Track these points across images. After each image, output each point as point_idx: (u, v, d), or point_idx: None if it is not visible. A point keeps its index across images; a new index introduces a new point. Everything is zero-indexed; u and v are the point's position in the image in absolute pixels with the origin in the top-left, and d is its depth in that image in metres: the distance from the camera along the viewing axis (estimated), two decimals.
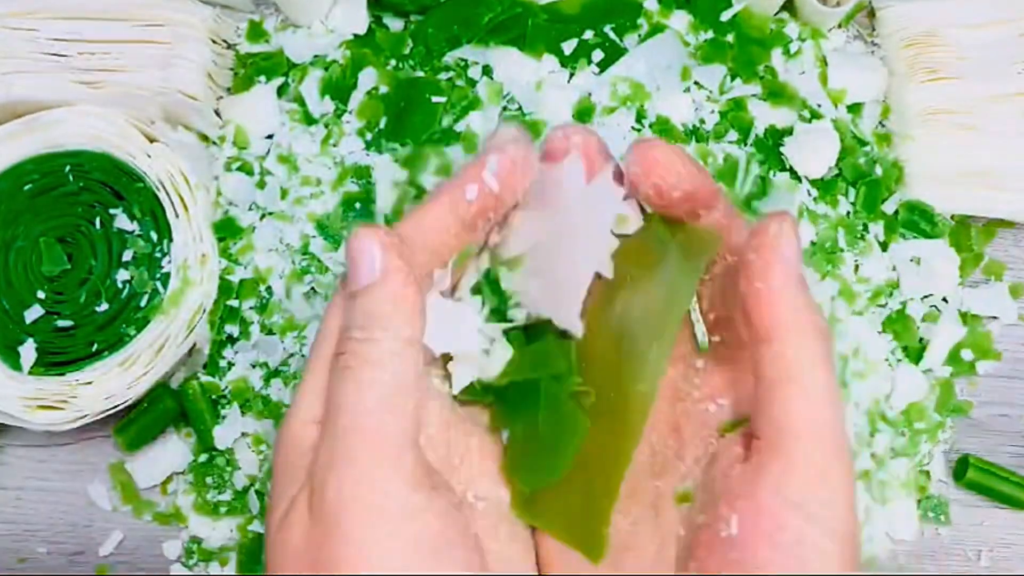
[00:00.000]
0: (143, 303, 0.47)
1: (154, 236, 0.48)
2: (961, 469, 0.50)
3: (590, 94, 0.51)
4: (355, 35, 0.52)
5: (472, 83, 0.51)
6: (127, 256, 0.47)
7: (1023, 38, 0.51)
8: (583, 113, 0.51)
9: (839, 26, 0.53)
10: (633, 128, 0.51)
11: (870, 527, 0.49)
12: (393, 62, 0.52)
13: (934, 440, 0.50)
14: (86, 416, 0.46)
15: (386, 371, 0.27)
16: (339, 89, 0.51)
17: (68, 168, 0.48)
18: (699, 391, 0.32)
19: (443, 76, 0.52)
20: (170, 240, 0.48)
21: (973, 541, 0.50)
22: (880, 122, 0.53)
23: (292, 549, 0.27)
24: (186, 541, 0.49)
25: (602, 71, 0.52)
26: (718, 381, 0.33)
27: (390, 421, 0.27)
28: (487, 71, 0.52)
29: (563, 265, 0.33)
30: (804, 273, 0.29)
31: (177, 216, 0.48)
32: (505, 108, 0.51)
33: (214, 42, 0.50)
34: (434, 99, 0.51)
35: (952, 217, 0.51)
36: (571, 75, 0.52)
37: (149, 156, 0.48)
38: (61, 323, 0.47)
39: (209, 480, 0.48)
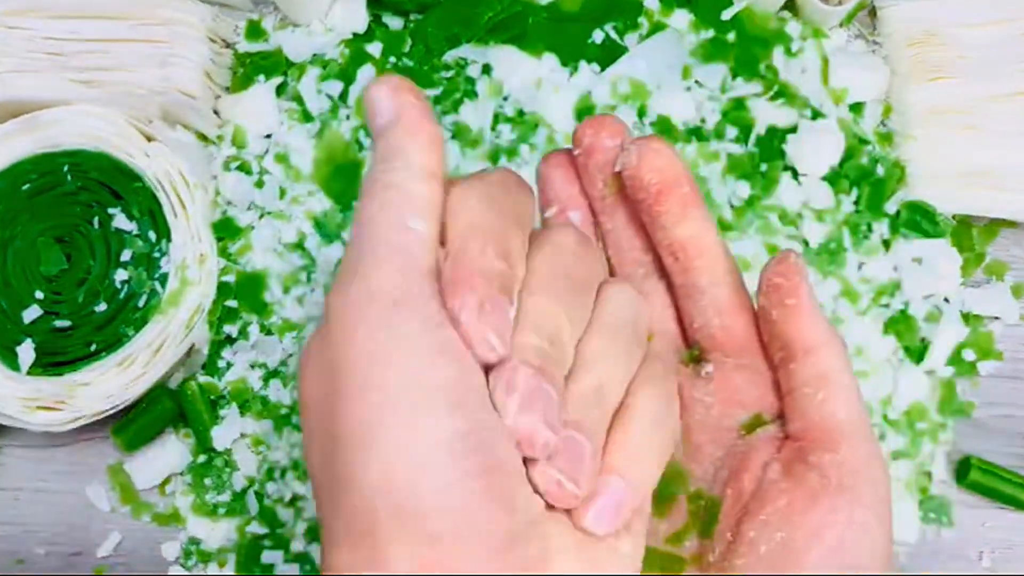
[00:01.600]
0: (141, 303, 0.47)
1: (152, 236, 0.48)
2: (963, 470, 0.50)
3: (590, 93, 0.51)
4: (354, 34, 0.52)
5: (471, 82, 0.51)
6: (125, 256, 0.47)
7: None
8: (583, 112, 0.51)
9: (840, 25, 0.53)
10: (634, 127, 0.51)
11: None
12: (392, 60, 0.52)
13: (936, 441, 0.50)
14: (84, 417, 0.46)
15: (404, 192, 0.27)
16: (337, 85, 0.51)
17: (66, 168, 0.47)
18: (710, 397, 0.33)
19: (443, 75, 0.51)
20: (168, 240, 0.47)
21: (975, 542, 0.50)
22: (882, 122, 0.52)
23: (308, 347, 0.27)
24: (184, 542, 0.49)
25: (602, 70, 0.52)
26: (730, 386, 0.33)
27: (412, 240, 0.26)
28: (487, 70, 0.51)
29: None
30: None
31: (175, 216, 0.48)
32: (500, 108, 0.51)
33: (212, 41, 0.50)
34: (427, 92, 0.51)
35: (954, 217, 0.51)
36: (571, 74, 0.52)
37: (147, 155, 0.48)
38: (59, 323, 0.47)
39: (208, 481, 0.48)
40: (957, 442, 0.51)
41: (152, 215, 0.48)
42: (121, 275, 0.47)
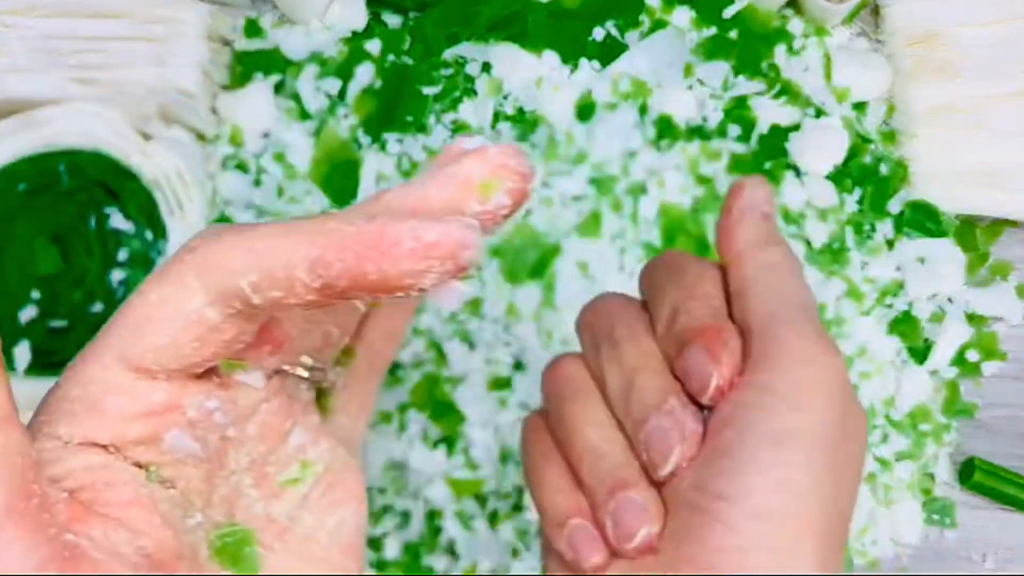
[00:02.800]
0: None
1: (149, 235, 0.47)
2: (967, 471, 0.49)
3: (591, 91, 0.51)
4: (353, 32, 0.52)
5: (471, 80, 0.51)
6: (122, 256, 0.47)
7: None
8: (584, 110, 0.51)
9: (843, 23, 0.53)
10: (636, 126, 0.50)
11: (874, 530, 0.48)
12: (392, 58, 0.51)
13: (939, 442, 0.50)
14: None
15: None
16: (335, 83, 0.51)
17: (62, 167, 0.47)
18: None
19: (443, 73, 0.51)
20: (165, 239, 0.47)
21: (978, 544, 0.50)
22: (885, 120, 0.52)
23: None
24: None
25: (603, 68, 0.51)
26: None
27: None
28: (486, 68, 0.51)
29: None
30: (776, 223, 0.31)
31: (173, 215, 0.47)
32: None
33: (210, 39, 0.50)
34: (425, 90, 0.50)
35: (957, 217, 0.51)
36: (572, 72, 0.51)
37: (144, 154, 0.47)
38: (55, 324, 0.46)
39: None
40: (961, 443, 0.50)
41: (149, 214, 0.47)
42: (118, 275, 0.47)
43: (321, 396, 0.27)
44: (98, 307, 0.46)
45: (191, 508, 0.23)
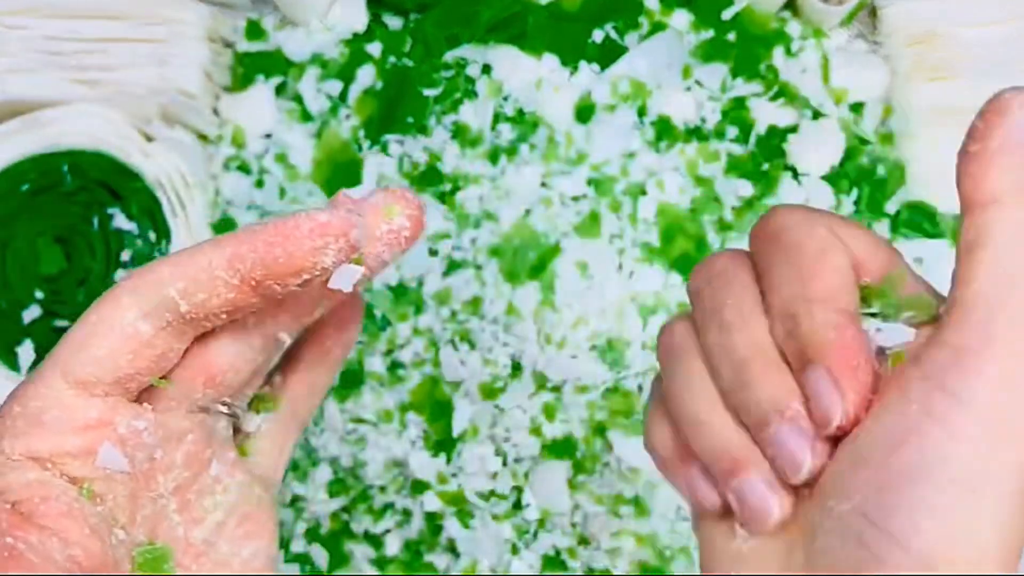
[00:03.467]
0: None
1: (152, 236, 0.47)
2: None
3: (590, 93, 0.51)
4: (354, 33, 0.52)
5: (471, 81, 0.51)
6: (125, 256, 0.47)
7: None
8: (583, 111, 0.51)
9: (841, 25, 0.53)
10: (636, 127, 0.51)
11: None
12: (392, 60, 0.52)
13: None
14: None
15: None
16: (336, 85, 0.51)
17: (65, 167, 0.47)
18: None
19: (443, 74, 0.51)
20: (168, 240, 0.47)
21: None
22: (882, 121, 0.52)
23: None
24: None
25: (603, 70, 0.52)
26: None
27: None
28: (487, 69, 0.51)
29: None
30: None
31: (175, 215, 0.48)
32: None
33: (212, 41, 0.50)
34: (426, 92, 0.51)
35: (954, 217, 0.51)
36: (571, 74, 0.52)
37: (147, 155, 0.48)
38: (59, 323, 0.47)
39: None
40: None
41: (152, 215, 0.48)
42: (121, 275, 0.47)
43: (242, 437, 0.29)
44: None
45: (115, 524, 0.25)
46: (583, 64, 0.52)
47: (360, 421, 0.49)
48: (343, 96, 0.51)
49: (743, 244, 0.50)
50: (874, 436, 0.24)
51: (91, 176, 0.47)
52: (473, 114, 0.51)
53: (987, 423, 0.22)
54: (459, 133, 0.51)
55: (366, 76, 0.51)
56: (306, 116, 0.51)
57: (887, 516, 0.23)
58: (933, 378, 0.23)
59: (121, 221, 0.47)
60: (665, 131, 0.51)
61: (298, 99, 0.51)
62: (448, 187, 0.50)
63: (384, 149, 0.51)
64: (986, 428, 0.22)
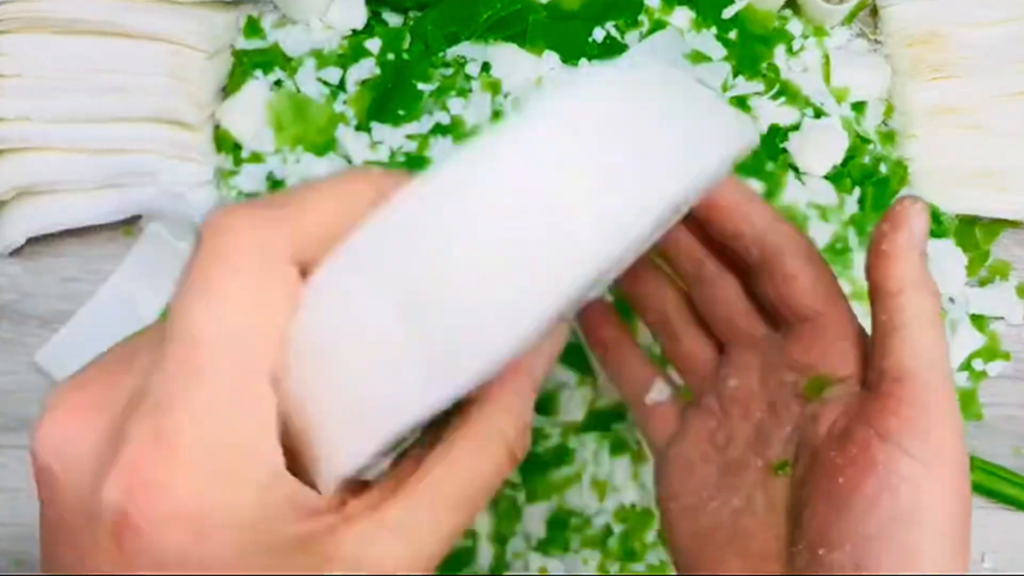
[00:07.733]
0: None
1: None
2: None
3: None
4: (353, 31, 0.52)
5: (470, 79, 0.51)
6: None
7: None
8: None
9: (842, 24, 0.53)
10: None
11: None
12: (391, 57, 0.51)
13: None
14: None
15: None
16: (335, 73, 0.51)
17: None
18: (787, 362, 0.33)
19: (442, 72, 0.51)
20: None
21: (977, 543, 0.49)
22: (883, 121, 0.52)
23: None
24: None
25: None
26: (805, 352, 0.33)
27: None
28: (486, 68, 0.51)
29: None
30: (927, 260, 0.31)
31: None
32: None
33: (211, 42, 0.50)
34: (420, 86, 0.50)
35: (956, 217, 0.51)
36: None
37: None
38: None
39: None
40: None
41: None
42: None
43: None
44: None
45: None
46: (584, 62, 0.51)
47: None
48: (342, 83, 0.51)
49: None
50: (852, 491, 0.29)
51: None
52: (473, 114, 0.50)
53: (942, 473, 0.28)
54: (454, 127, 0.50)
55: (363, 69, 0.51)
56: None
57: (877, 562, 0.27)
58: (890, 441, 0.28)
59: None
60: None
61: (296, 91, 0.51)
62: None
63: (373, 146, 0.50)
64: (942, 477, 0.28)
